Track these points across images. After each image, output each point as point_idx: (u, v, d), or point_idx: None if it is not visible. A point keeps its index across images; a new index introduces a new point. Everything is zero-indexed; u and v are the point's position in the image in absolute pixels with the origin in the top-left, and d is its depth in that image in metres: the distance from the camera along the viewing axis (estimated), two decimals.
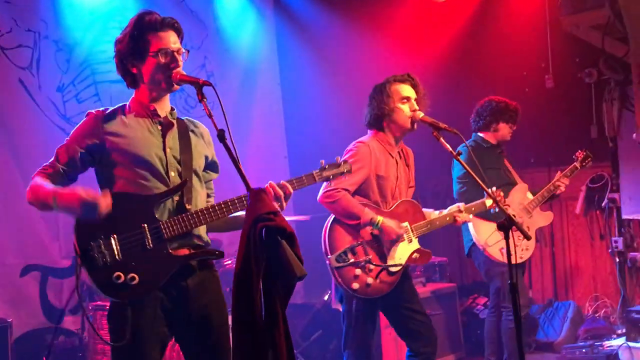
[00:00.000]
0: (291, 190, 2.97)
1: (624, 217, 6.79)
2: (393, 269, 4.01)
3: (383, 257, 4.00)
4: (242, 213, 3.00)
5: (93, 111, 3.04)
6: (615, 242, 6.84)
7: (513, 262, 4.64)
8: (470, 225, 4.99)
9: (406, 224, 4.10)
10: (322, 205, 4.05)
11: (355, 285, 3.90)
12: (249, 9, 7.56)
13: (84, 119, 3.02)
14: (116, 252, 2.80)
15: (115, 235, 2.81)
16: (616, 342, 6.00)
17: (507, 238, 3.33)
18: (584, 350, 5.96)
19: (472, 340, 6.50)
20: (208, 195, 3.24)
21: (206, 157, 3.17)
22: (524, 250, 5.02)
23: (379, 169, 4.08)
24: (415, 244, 4.12)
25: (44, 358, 5.20)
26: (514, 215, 4.77)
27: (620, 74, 6.50)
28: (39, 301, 5.74)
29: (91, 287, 5.37)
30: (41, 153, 5.64)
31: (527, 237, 3.47)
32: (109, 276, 2.78)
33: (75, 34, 6.06)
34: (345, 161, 3.30)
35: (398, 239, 4.00)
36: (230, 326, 2.58)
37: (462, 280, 7.71)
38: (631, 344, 5.82)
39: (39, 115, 5.83)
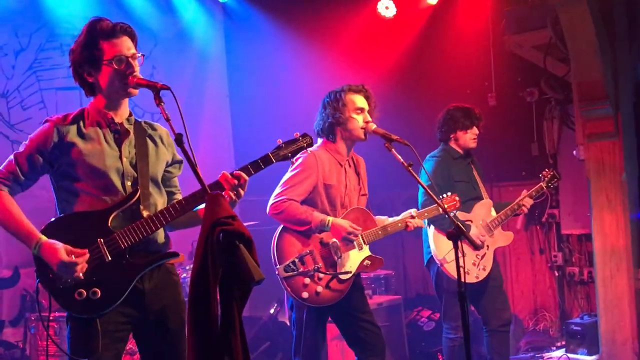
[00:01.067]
0: (246, 179, 2.96)
1: (563, 232, 6.99)
2: (343, 277, 4.02)
3: (333, 265, 4.02)
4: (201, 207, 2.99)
5: (52, 118, 2.99)
6: (555, 256, 7.03)
7: (469, 280, 4.80)
8: (430, 238, 4.92)
9: None
10: (273, 218, 4.06)
11: (305, 294, 3.91)
12: (198, 19, 7.55)
13: (43, 127, 2.97)
14: None
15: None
16: (556, 354, 6.17)
17: (455, 247, 3.40)
18: None
19: (417, 352, 6.57)
20: (173, 194, 3.23)
21: (167, 161, 3.17)
22: (480, 270, 4.89)
23: (327, 177, 4.11)
24: (366, 251, 4.15)
25: None
26: (468, 223, 4.88)
27: (561, 93, 6.73)
28: None
29: (34, 297, 5.29)
30: None
31: (476, 247, 3.54)
32: (72, 295, 2.80)
33: (21, 40, 5.96)
34: (305, 134, 3.24)
35: (349, 236, 3.99)
36: (187, 330, 2.56)
37: (407, 293, 7.80)
38: (570, 355, 5.99)
39: None
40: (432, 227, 4.92)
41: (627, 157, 5.81)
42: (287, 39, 7.73)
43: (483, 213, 5.05)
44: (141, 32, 6.64)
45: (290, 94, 7.54)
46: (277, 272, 3.93)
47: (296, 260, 3.93)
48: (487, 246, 4.95)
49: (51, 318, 4.65)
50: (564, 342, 6.35)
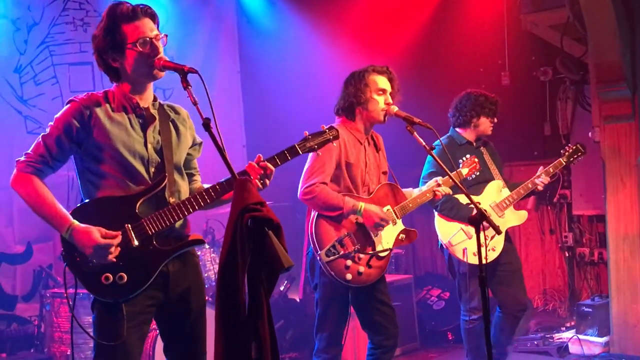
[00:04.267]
0: (272, 169, 2.97)
1: (574, 213, 6.98)
2: (382, 254, 4.03)
3: (371, 243, 4.01)
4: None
5: (77, 98, 2.93)
6: (565, 237, 7.03)
7: (476, 262, 4.76)
8: (435, 224, 4.93)
9: (388, 207, 4.12)
10: (304, 203, 4.03)
11: (349, 276, 3.91)
12: None
13: (69, 107, 2.91)
14: None
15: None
16: (566, 335, 6.18)
17: (477, 232, 3.35)
18: (535, 343, 6.12)
19: (426, 331, 6.60)
20: (192, 175, 3.24)
21: (188, 145, 3.17)
22: (490, 251, 4.83)
23: (348, 156, 4.08)
24: (400, 226, 4.15)
25: None
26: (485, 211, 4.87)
27: (576, 73, 6.67)
28: None
29: (51, 274, 5.31)
30: None
31: (498, 232, 3.52)
32: (98, 279, 2.80)
33: (34, 14, 5.90)
34: (331, 127, 3.28)
35: (381, 222, 3.99)
36: (214, 316, 2.56)
37: (416, 272, 7.81)
38: (581, 336, 6.00)
39: None
40: (435, 214, 4.93)
41: None
42: (299, 15, 7.67)
43: (493, 194, 5.00)
44: (154, 6, 6.67)
45: (301, 71, 7.49)
46: (319, 258, 3.93)
47: (336, 243, 3.92)
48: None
49: (66, 295, 4.65)
50: (573, 323, 6.36)
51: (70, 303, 2.93)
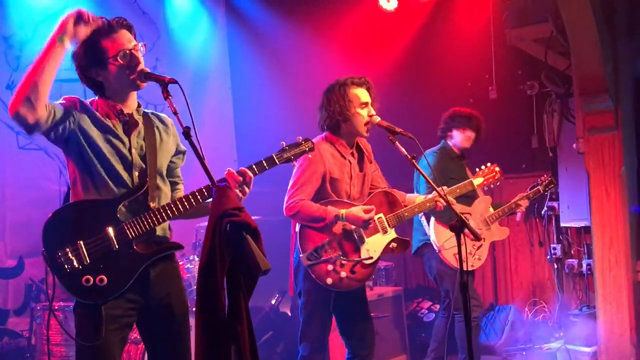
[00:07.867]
0: (251, 176, 3.03)
1: (562, 225, 7.03)
2: (367, 262, 4.07)
3: (357, 251, 4.07)
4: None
5: (72, 97, 3.01)
6: (554, 249, 7.08)
7: (467, 268, 4.99)
8: (430, 228, 5.16)
9: (380, 215, 4.17)
10: (290, 219, 4.11)
11: (329, 280, 3.96)
12: (200, 12, 7.59)
13: (71, 96, 3.00)
14: (84, 257, 2.86)
15: (81, 242, 2.87)
16: (554, 345, 6.22)
17: (458, 238, 3.44)
18: (524, 353, 6.17)
19: (417, 343, 6.63)
20: (176, 183, 3.30)
21: (172, 153, 3.24)
22: (476, 259, 5.18)
23: (332, 171, 4.12)
24: (392, 234, 4.18)
25: None
26: (467, 216, 5.07)
27: (561, 86, 6.76)
28: None
29: (42, 287, 5.35)
30: None
31: (477, 238, 3.59)
32: (79, 280, 2.85)
33: (26, 31, 5.99)
34: (307, 139, 3.38)
35: (366, 223, 4.04)
36: (194, 321, 2.62)
37: (407, 285, 7.85)
38: (569, 346, 6.04)
39: None
40: (432, 218, 5.16)
41: (626, 151, 5.84)
42: (289, 31, 7.76)
43: (482, 208, 5.37)
44: (144, 25, 6.79)
45: (292, 87, 7.58)
46: (303, 262, 4.00)
47: (319, 248, 3.99)
48: (484, 239, 5.27)
49: (56, 307, 4.69)
50: (562, 334, 6.41)
51: (50, 293, 2.94)
